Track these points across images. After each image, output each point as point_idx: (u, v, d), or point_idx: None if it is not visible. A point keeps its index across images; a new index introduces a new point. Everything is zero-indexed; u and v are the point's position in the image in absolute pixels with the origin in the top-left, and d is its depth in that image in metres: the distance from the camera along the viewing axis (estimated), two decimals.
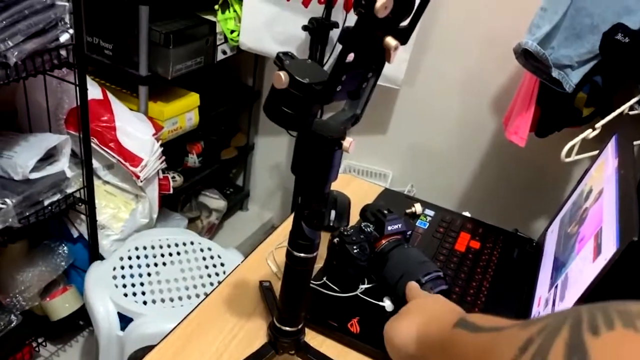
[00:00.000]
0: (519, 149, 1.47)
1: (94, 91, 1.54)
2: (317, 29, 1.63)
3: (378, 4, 0.47)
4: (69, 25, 1.25)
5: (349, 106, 0.63)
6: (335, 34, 1.65)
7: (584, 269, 0.70)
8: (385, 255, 0.85)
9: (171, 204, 2.03)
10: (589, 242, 0.74)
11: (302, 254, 0.67)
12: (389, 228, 0.87)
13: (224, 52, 1.81)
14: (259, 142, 2.36)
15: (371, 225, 0.87)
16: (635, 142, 1.10)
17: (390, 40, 0.53)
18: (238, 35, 1.76)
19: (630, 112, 1.11)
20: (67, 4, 1.23)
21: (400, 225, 0.88)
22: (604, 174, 0.88)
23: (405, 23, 0.55)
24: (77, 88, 1.33)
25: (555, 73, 1.27)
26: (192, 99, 1.81)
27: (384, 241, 0.87)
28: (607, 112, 1.38)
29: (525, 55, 1.26)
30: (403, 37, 0.55)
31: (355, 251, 0.84)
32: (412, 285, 0.69)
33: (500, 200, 1.86)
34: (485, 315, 0.45)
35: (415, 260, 0.83)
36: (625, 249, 0.62)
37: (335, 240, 0.86)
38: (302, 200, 0.64)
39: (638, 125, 1.24)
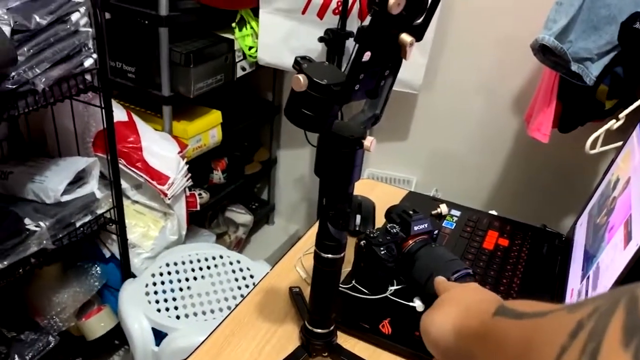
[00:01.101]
0: (542, 145, 1.45)
1: (120, 113, 1.57)
2: (333, 40, 1.64)
3: (391, 1, 0.48)
4: (92, 50, 1.29)
5: (369, 106, 0.64)
6: (351, 43, 1.67)
7: (616, 257, 0.70)
8: (413, 256, 0.85)
9: (199, 220, 2.05)
10: (619, 231, 0.73)
11: (329, 255, 0.68)
12: (415, 228, 0.87)
13: (243, 69, 1.84)
14: (281, 156, 2.38)
15: (397, 226, 0.88)
16: None
17: (406, 37, 0.54)
18: (256, 51, 1.79)
19: None
20: (90, 30, 1.27)
21: (426, 225, 0.88)
22: (630, 163, 0.87)
23: (419, 20, 0.56)
24: (103, 111, 1.37)
25: (574, 67, 1.26)
26: (215, 116, 1.84)
27: (410, 241, 0.87)
28: (631, 103, 1.36)
29: (543, 51, 1.25)
30: (418, 33, 0.56)
31: (382, 253, 0.84)
32: (440, 279, 0.67)
33: (526, 197, 1.84)
34: (525, 300, 0.43)
35: (443, 259, 0.83)
36: None
37: (362, 242, 0.86)
38: (327, 201, 0.65)
39: None
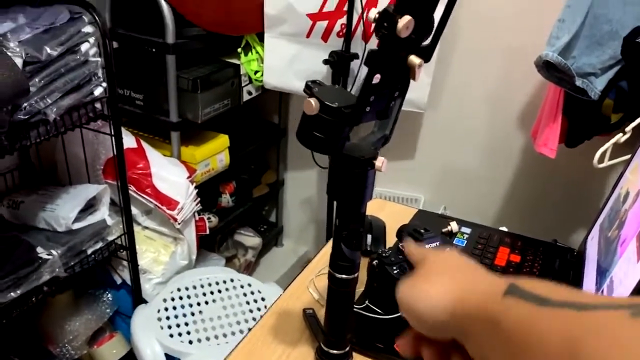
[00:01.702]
0: (549, 160, 1.46)
1: (129, 140, 1.59)
2: (338, 62, 1.67)
3: (400, 25, 0.49)
4: (102, 79, 1.31)
5: (378, 127, 0.65)
6: (355, 65, 1.69)
7: (629, 271, 0.70)
8: None
9: (208, 244, 2.06)
10: (631, 244, 0.73)
11: (343, 275, 0.68)
12: (427, 246, 0.87)
13: (250, 93, 1.86)
14: (289, 178, 2.39)
15: None
16: None
17: (414, 59, 0.55)
18: (262, 75, 1.81)
19: None
20: (99, 59, 1.30)
21: (438, 243, 0.88)
22: (639, 177, 0.87)
23: (427, 41, 0.57)
24: (113, 139, 1.39)
25: (579, 82, 1.27)
26: (222, 141, 1.85)
27: None
28: (637, 115, 1.37)
29: (547, 67, 1.26)
30: (426, 55, 0.57)
31: (395, 272, 0.84)
32: (411, 243, 0.59)
33: (536, 213, 1.84)
34: (536, 280, 0.38)
35: None
36: None
37: (375, 262, 0.86)
38: (340, 222, 0.66)
39: None
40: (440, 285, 0.46)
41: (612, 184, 1.01)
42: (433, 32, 0.56)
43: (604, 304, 0.31)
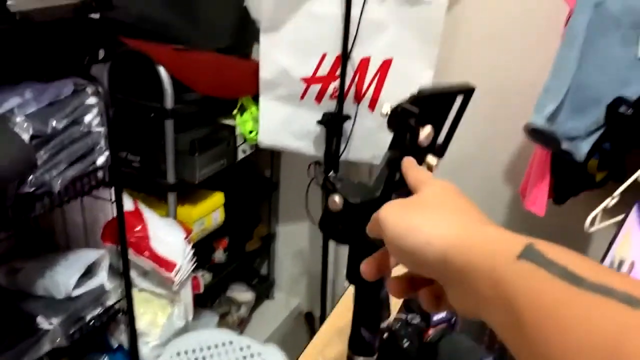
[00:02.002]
0: (539, 218, 1.51)
1: (126, 203, 1.60)
2: (331, 123, 1.72)
3: (422, 137, 0.53)
4: (104, 148, 1.34)
5: None
6: (348, 125, 1.74)
7: None
8: (435, 346, 0.88)
9: (201, 301, 2.05)
10: None
11: (361, 358, 0.70)
12: (435, 318, 0.90)
13: (244, 152, 1.90)
14: (280, 231, 2.41)
15: (417, 316, 0.91)
16: None
17: (431, 160, 0.59)
18: (256, 134, 1.85)
19: None
20: (102, 129, 1.33)
21: (445, 314, 0.91)
22: (631, 245, 0.92)
23: (440, 140, 0.62)
24: (115, 205, 1.40)
25: (565, 145, 1.33)
26: (217, 198, 1.88)
27: (431, 331, 0.90)
28: (620, 173, 1.44)
29: (535, 132, 1.33)
30: (440, 152, 0.62)
31: (406, 345, 0.87)
32: (410, 161, 0.53)
33: None
34: (558, 246, 0.32)
35: (465, 348, 0.86)
36: None
37: (385, 335, 0.89)
38: (360, 307, 0.68)
39: None
40: (436, 221, 0.40)
41: (604, 240, 1.05)
42: (446, 132, 0.61)
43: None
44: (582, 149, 1.34)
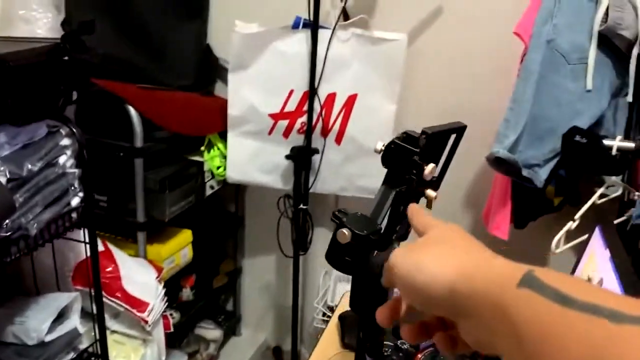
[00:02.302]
0: (502, 242, 1.59)
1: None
2: (300, 157, 1.76)
3: (426, 172, 0.58)
4: (78, 189, 1.33)
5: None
6: (316, 158, 1.79)
7: None
8: None
9: (170, 341, 2.01)
10: None
11: None
12: (423, 343, 0.94)
13: (212, 187, 1.91)
14: (246, 265, 2.41)
15: (406, 342, 0.95)
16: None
17: (431, 193, 0.64)
18: (224, 170, 1.87)
19: (599, 201, 1.26)
20: (76, 170, 1.32)
21: None
22: (597, 265, 0.99)
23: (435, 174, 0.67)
24: (89, 246, 1.39)
25: (525, 172, 1.42)
26: (186, 236, 1.87)
27: (420, 355, 0.94)
28: (575, 198, 1.54)
29: (497, 161, 1.41)
30: (436, 185, 0.67)
31: None
32: (416, 207, 0.54)
33: None
34: (555, 272, 0.34)
35: None
36: None
37: None
38: (364, 334, 0.72)
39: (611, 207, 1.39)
40: (442, 256, 0.42)
41: (561, 260, 1.12)
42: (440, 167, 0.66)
43: (627, 315, 0.28)
44: (541, 175, 1.43)
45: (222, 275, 2.28)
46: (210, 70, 2.00)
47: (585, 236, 1.11)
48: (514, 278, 0.34)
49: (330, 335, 1.17)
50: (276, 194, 1.95)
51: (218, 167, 1.88)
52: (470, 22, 1.70)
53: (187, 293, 2.07)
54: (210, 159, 1.86)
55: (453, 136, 0.66)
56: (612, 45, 1.34)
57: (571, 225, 1.19)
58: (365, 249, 0.65)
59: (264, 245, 2.26)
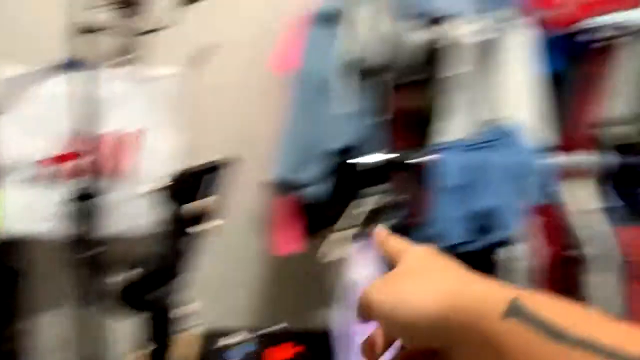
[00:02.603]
0: (291, 260, 1.71)
1: None
2: (82, 201, 1.69)
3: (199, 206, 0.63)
4: None
5: None
6: (100, 200, 1.73)
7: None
8: None
9: None
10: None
11: None
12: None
13: None
14: (39, 323, 2.21)
15: None
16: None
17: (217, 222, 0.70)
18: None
19: (357, 211, 1.45)
20: None
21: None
22: (357, 269, 1.15)
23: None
24: None
25: (302, 192, 1.57)
26: None
27: None
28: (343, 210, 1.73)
29: (276, 184, 1.53)
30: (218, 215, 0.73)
31: None
32: (383, 234, 0.49)
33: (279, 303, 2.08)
34: (541, 297, 0.33)
35: None
36: None
37: None
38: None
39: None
40: (422, 287, 0.40)
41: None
42: None
43: (629, 355, 0.26)
44: (315, 193, 1.59)
45: (14, 337, 2.07)
46: None
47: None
48: (498, 306, 0.32)
49: None
50: (57, 245, 1.83)
51: None
52: (239, 56, 1.82)
53: None
54: None
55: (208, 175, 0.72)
56: (362, 73, 1.55)
57: (334, 237, 1.35)
58: (157, 284, 0.68)
59: (52, 300, 2.11)
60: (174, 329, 0.69)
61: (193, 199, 0.67)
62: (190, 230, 0.68)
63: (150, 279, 0.65)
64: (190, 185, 0.67)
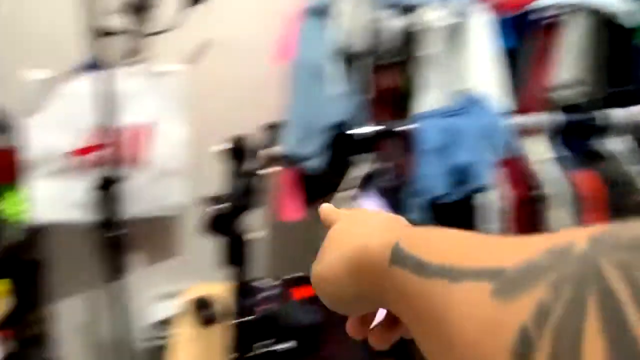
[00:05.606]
0: (299, 224, 1.95)
1: None
2: (105, 187, 1.89)
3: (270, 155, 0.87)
4: None
5: None
6: (121, 186, 1.94)
7: None
8: None
9: None
10: None
11: None
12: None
13: (13, 235, 1.91)
14: (55, 310, 2.39)
15: None
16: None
17: (272, 170, 0.93)
18: (23, 215, 1.90)
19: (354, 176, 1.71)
20: None
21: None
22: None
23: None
24: None
25: (305, 163, 1.81)
26: (3, 286, 1.86)
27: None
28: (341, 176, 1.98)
29: (283, 157, 1.77)
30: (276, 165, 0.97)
31: None
32: (326, 207, 0.51)
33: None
34: (422, 232, 0.34)
35: None
36: None
37: None
38: (241, 282, 0.98)
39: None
40: (334, 254, 0.40)
41: None
42: None
43: (475, 271, 0.25)
44: (316, 164, 1.83)
45: (35, 323, 2.24)
46: None
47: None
48: (386, 255, 0.34)
49: (185, 319, 1.39)
50: (80, 231, 2.02)
51: (18, 213, 1.90)
52: (238, 48, 2.05)
53: (11, 345, 2.01)
54: (9, 207, 1.87)
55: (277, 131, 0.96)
56: (349, 57, 1.80)
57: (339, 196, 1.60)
58: (234, 216, 0.92)
59: (71, 286, 2.30)
60: (247, 250, 0.92)
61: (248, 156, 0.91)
62: (257, 173, 0.92)
63: (230, 211, 0.88)
64: (244, 146, 0.91)
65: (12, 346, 2.02)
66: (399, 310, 0.32)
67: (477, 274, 0.24)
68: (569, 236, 0.22)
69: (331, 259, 0.40)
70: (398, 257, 0.32)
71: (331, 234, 0.44)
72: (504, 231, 1.63)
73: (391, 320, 0.41)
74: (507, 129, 1.70)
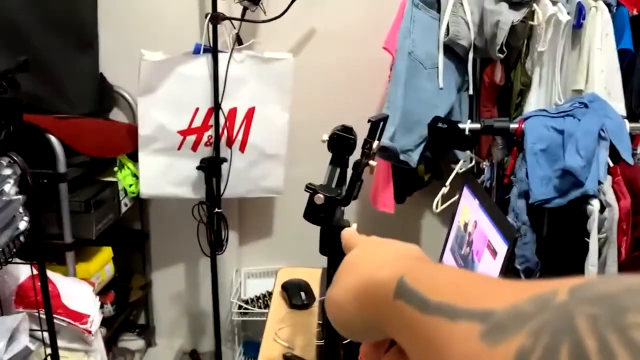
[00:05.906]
0: (389, 216, 1.95)
1: (26, 269, 1.67)
2: (210, 167, 1.98)
3: (374, 147, 0.88)
4: (24, 214, 1.44)
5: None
6: (224, 167, 2.02)
7: (491, 267, 1.15)
8: None
9: None
10: (485, 251, 1.20)
11: None
12: None
13: (126, 205, 2.05)
14: (155, 278, 2.54)
15: None
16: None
17: (372, 162, 0.94)
18: (136, 187, 2.03)
19: (460, 170, 1.66)
20: (20, 197, 1.43)
21: None
22: (470, 212, 1.37)
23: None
24: (37, 268, 1.49)
25: (402, 157, 1.79)
26: (107, 252, 1.99)
27: None
28: (438, 173, 1.95)
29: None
30: (373, 157, 0.97)
31: None
32: (348, 232, 0.53)
33: None
34: (426, 268, 0.36)
35: None
36: (512, 245, 1.08)
37: None
38: (331, 269, 0.99)
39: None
40: (343, 284, 0.40)
41: (441, 217, 1.48)
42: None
43: (469, 311, 0.27)
44: (414, 158, 1.81)
45: (136, 289, 2.40)
46: (104, 98, 2.13)
47: (457, 196, 1.49)
48: (391, 288, 0.34)
49: (277, 301, 1.43)
50: (181, 207, 2.12)
51: (130, 185, 2.03)
52: (344, 39, 2.06)
53: (108, 309, 2.16)
54: (123, 179, 2.00)
55: (381, 123, 0.96)
56: (454, 52, 1.76)
57: (444, 190, 1.57)
58: (333, 206, 0.93)
59: (169, 257, 2.43)
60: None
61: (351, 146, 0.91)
62: (358, 164, 0.92)
63: (328, 201, 0.89)
64: (349, 136, 0.92)
65: (112, 309, 2.17)
66: (401, 341, 0.33)
67: (470, 315, 0.27)
68: (554, 285, 0.24)
69: (344, 284, 0.41)
70: (402, 291, 0.33)
71: (347, 259, 0.45)
72: (610, 242, 1.54)
73: None
74: (623, 133, 1.60)
